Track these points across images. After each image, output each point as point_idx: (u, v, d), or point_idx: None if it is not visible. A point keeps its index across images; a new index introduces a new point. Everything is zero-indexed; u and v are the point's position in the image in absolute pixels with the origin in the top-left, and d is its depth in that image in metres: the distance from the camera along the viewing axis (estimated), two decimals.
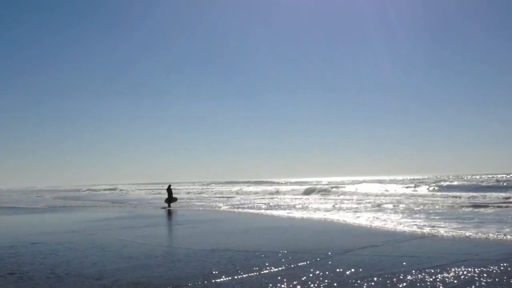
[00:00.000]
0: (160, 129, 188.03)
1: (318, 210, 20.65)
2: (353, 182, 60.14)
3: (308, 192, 38.88)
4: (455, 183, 44.86)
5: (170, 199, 26.97)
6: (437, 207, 20.25)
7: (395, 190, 37.50)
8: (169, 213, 22.58)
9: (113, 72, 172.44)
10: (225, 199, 35.60)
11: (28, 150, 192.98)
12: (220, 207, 25.12)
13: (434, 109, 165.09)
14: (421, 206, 21.05)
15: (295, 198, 32.41)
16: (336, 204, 24.32)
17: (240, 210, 22.47)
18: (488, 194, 27.86)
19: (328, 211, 19.84)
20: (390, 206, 21.71)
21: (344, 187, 42.75)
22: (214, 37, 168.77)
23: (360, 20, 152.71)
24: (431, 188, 38.22)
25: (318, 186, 43.54)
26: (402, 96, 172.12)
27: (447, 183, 45.52)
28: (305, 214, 18.28)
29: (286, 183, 75.49)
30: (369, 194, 33.85)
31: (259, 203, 27.07)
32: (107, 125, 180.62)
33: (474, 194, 28.80)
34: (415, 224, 13.52)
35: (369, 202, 24.76)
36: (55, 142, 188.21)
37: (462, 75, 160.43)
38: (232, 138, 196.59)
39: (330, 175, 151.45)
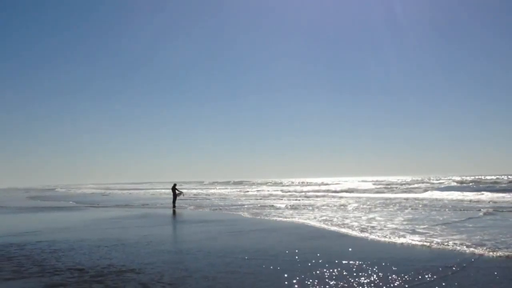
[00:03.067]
0: (163, 129, 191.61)
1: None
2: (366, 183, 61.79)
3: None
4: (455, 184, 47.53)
5: (175, 197, 27.55)
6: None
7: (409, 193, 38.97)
8: (174, 213, 23.18)
9: (117, 73, 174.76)
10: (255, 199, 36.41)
11: (24, 150, 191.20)
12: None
13: (440, 109, 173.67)
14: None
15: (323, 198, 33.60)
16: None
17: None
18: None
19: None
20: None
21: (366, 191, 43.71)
22: (221, 37, 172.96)
23: (368, 19, 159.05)
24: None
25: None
26: (409, 96, 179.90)
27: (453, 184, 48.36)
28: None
29: (304, 184, 76.69)
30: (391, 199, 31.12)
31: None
32: (107, 125, 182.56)
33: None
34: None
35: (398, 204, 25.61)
36: (55, 141, 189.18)
37: (469, 74, 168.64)
38: (236, 138, 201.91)
39: (343, 175, 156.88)
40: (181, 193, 27.96)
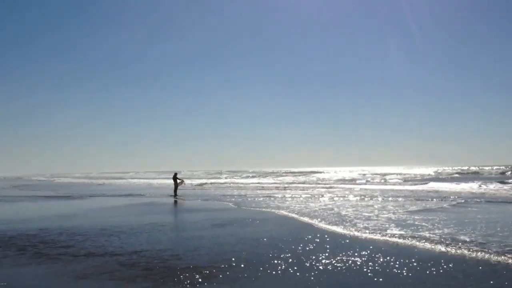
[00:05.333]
0: (150, 120, 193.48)
1: None
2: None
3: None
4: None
5: (176, 186, 28.20)
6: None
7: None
8: (175, 203, 23.96)
9: (117, 64, 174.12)
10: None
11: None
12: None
13: (442, 102, 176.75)
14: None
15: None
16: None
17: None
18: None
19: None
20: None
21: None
22: (224, 28, 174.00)
23: (370, 14, 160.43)
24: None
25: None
26: (407, 88, 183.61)
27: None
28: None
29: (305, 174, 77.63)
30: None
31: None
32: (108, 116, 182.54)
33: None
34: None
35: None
36: (28, 131, 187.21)
37: (468, 66, 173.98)
38: (236, 129, 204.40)
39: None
40: (182, 182, 28.76)
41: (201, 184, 48.54)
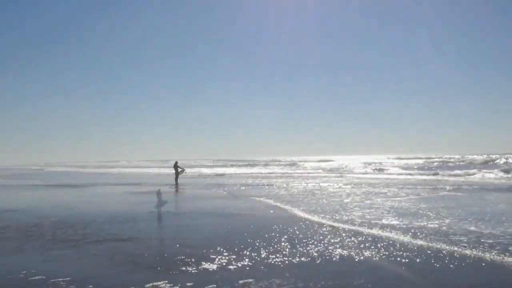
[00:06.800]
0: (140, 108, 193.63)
1: None
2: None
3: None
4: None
5: (177, 175, 28.17)
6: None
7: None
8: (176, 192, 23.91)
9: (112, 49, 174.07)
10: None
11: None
12: None
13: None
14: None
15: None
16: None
17: None
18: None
19: None
20: None
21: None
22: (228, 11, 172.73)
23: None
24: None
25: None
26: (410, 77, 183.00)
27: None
28: None
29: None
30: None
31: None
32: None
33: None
34: None
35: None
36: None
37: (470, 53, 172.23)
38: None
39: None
40: (183, 170, 28.74)
41: (219, 174, 48.61)
